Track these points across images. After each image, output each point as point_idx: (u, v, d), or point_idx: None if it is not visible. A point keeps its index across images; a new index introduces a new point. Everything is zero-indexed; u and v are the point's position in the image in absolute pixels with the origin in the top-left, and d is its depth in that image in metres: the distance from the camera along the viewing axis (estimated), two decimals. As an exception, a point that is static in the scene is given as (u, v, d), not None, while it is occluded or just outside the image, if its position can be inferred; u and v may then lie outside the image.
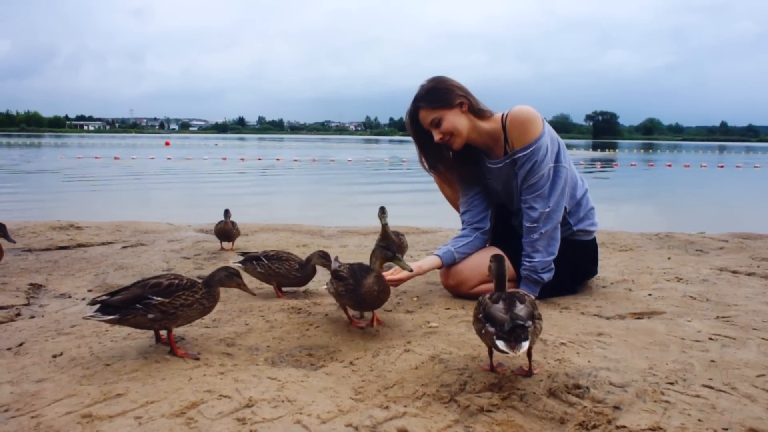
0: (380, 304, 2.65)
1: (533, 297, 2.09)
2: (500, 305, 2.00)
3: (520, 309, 1.97)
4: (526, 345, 1.83)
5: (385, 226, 3.84)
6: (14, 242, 4.07)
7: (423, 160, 3.38)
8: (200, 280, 2.41)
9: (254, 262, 3.29)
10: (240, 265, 3.32)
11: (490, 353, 2.14)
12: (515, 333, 1.86)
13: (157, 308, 2.25)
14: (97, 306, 2.25)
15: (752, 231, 6.18)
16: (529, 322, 1.92)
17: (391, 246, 2.57)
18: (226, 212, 4.73)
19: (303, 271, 3.27)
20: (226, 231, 4.70)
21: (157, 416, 1.80)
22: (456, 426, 1.77)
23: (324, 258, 3.25)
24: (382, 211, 3.84)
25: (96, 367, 2.20)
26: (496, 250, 3.37)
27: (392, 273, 3.10)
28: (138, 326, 2.32)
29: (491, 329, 1.94)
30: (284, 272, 3.25)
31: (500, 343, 1.87)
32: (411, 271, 2.80)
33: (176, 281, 2.32)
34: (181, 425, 1.74)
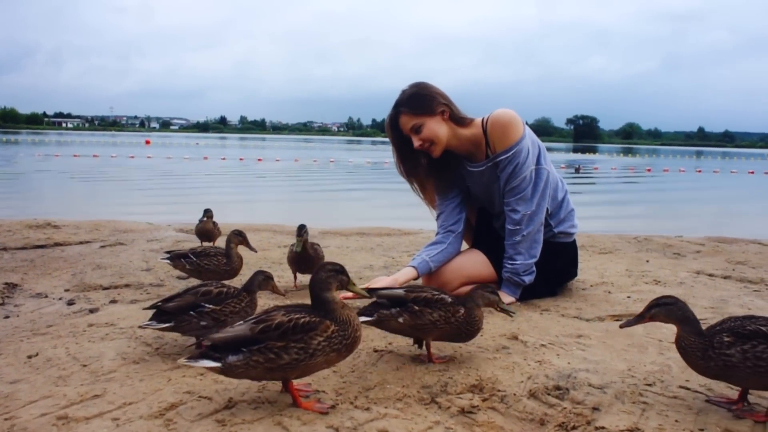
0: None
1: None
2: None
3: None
4: None
5: (303, 243, 3.23)
6: None
7: (401, 166, 3.35)
8: (238, 288, 2.40)
9: (182, 259, 3.24)
10: (168, 262, 3.29)
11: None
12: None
13: (209, 315, 2.26)
14: (151, 314, 2.28)
15: (728, 235, 6.29)
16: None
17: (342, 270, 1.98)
18: (207, 212, 4.69)
19: (230, 262, 3.22)
20: (206, 231, 4.65)
21: (135, 418, 1.77)
22: (437, 427, 1.77)
23: (239, 236, 3.22)
24: (299, 232, 3.24)
25: (72, 367, 2.17)
26: (478, 252, 3.38)
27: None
28: (186, 333, 2.33)
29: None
30: (213, 268, 3.21)
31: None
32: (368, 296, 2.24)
33: (224, 289, 2.34)
34: (160, 427, 1.72)
